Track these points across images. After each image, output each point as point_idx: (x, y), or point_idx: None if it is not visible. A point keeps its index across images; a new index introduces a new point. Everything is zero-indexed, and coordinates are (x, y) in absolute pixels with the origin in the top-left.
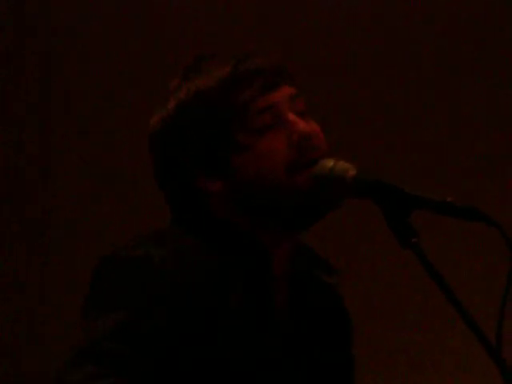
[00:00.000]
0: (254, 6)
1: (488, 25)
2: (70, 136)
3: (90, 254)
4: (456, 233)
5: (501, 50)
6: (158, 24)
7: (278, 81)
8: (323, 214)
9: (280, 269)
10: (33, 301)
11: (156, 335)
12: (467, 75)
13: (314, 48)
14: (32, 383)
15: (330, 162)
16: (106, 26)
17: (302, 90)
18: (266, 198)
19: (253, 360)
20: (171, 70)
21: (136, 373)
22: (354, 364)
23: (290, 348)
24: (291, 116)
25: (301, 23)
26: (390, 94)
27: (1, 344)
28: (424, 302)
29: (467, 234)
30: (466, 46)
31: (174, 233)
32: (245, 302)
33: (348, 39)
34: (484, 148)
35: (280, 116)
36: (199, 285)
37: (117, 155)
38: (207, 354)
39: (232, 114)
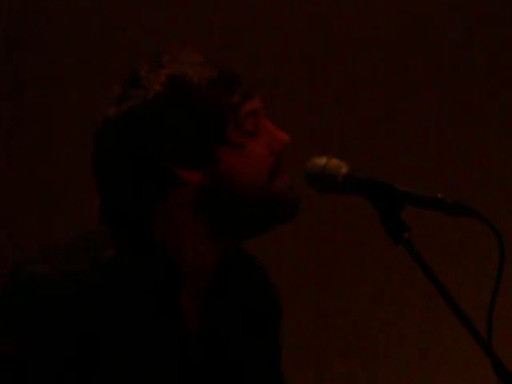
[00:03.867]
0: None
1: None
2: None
3: None
4: (447, 228)
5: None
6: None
7: (253, 89)
8: (284, 222)
9: (198, 283)
10: None
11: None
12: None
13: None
14: None
15: (322, 160)
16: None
17: None
18: (244, 196)
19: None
20: None
21: None
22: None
23: (202, 369)
24: (270, 125)
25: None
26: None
27: None
28: (415, 298)
29: (458, 228)
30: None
31: (98, 239)
32: (147, 325)
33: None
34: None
35: (261, 122)
36: (98, 313)
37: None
38: None
39: (227, 113)
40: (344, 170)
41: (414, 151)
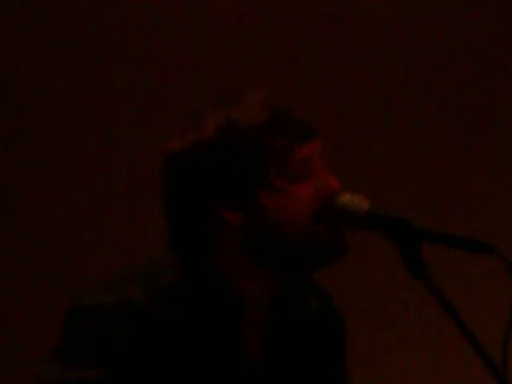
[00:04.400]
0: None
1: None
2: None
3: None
4: (465, 263)
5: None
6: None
7: (312, 133)
8: (328, 264)
9: (257, 313)
10: None
11: None
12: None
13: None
14: None
15: (346, 197)
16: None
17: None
18: (286, 238)
19: None
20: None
21: None
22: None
23: None
24: (323, 171)
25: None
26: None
27: None
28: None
29: (475, 262)
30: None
31: (156, 269)
32: (209, 353)
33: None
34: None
35: (314, 168)
36: (159, 339)
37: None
38: None
39: (272, 158)
40: (367, 206)
41: (414, 151)
